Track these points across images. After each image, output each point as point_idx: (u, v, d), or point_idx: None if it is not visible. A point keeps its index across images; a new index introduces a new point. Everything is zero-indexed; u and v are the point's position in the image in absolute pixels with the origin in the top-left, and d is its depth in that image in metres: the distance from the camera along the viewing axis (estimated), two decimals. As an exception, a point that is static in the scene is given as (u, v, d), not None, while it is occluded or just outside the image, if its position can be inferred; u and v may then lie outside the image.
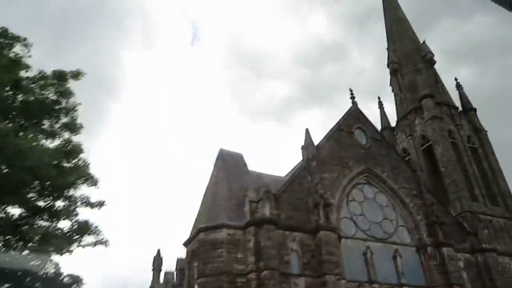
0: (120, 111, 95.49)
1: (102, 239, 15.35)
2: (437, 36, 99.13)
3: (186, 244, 25.30)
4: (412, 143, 37.99)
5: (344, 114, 31.68)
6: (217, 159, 28.27)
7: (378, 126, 41.10)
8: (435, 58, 41.80)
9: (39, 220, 15.08)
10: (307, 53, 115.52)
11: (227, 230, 23.38)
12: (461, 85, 41.25)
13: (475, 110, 39.47)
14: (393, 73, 43.03)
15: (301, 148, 28.05)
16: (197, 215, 26.28)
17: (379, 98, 43.02)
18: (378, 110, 42.58)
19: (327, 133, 29.91)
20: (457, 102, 40.72)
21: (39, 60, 16.27)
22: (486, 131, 38.21)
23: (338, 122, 30.92)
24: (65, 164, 16.94)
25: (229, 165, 27.81)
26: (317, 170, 27.11)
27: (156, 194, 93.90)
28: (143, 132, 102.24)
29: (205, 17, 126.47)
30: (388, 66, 43.41)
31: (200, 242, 23.41)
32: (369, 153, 30.51)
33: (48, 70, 15.70)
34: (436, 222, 28.86)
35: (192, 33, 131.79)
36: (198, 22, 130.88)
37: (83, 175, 16.96)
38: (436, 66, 42.18)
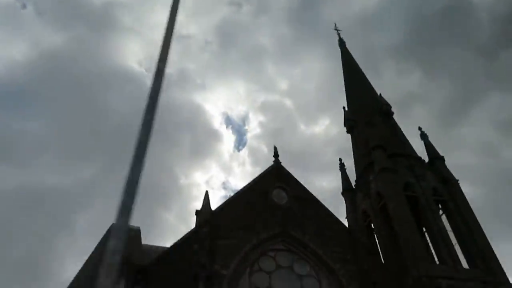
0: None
1: None
2: (488, 108, 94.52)
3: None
4: (369, 203, 32.79)
5: (261, 173, 28.11)
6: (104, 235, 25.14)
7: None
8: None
9: None
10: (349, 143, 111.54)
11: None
12: (426, 134, 36.47)
13: (442, 158, 34.05)
14: (350, 131, 39.41)
15: (195, 214, 24.42)
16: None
17: (340, 159, 38.88)
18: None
19: (234, 195, 26.24)
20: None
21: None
22: (457, 180, 32.32)
23: (250, 182, 27.29)
24: None
25: (132, 242, 24.49)
26: (208, 237, 23.08)
27: None
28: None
29: (248, 122, 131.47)
30: (344, 125, 39.98)
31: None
32: (289, 214, 26.06)
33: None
34: (373, 292, 22.87)
35: (237, 140, 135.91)
36: (242, 129, 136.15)
37: None
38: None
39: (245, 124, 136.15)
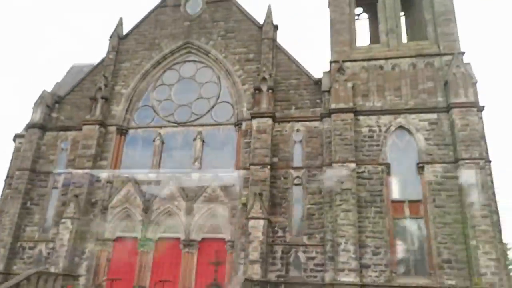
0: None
1: None
2: None
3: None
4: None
5: (177, -15, 26.62)
6: (66, 74, 29.59)
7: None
8: None
9: None
10: None
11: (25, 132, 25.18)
12: None
13: None
14: None
15: (108, 40, 25.97)
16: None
17: None
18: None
19: (144, 16, 26.23)
20: None
21: None
22: None
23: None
24: None
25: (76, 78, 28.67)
26: (113, 62, 25.00)
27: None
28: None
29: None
30: None
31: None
32: (197, 23, 25.20)
33: None
34: (262, 88, 22.00)
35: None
36: None
37: None
38: None
39: None
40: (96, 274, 20.83)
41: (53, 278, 19.03)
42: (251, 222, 19.15)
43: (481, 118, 19.77)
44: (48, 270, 19.82)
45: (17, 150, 25.23)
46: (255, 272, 18.28)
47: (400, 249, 18.69)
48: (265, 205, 19.49)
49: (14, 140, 26.27)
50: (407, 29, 24.70)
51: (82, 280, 20.44)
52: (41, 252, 21.64)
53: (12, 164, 25.08)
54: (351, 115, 20.38)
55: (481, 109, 19.86)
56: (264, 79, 22.09)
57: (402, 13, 25.89)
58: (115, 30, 25.94)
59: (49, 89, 25.41)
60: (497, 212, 18.15)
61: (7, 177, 25.03)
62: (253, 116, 21.46)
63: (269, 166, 20.32)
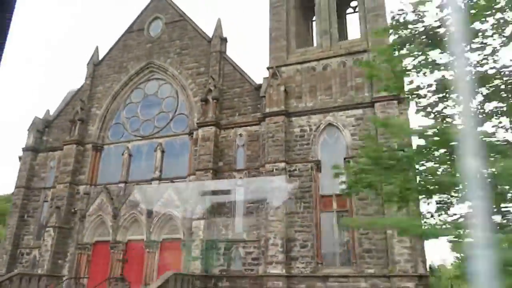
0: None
1: None
2: None
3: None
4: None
5: (142, 11, 29.20)
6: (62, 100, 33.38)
7: None
8: None
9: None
10: None
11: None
12: None
13: None
14: None
15: (86, 67, 29.20)
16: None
17: None
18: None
19: (114, 42, 29.11)
20: None
21: None
22: None
23: (131, 24, 29.12)
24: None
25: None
26: (89, 87, 28.18)
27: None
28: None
29: None
30: None
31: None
32: (157, 44, 27.64)
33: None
34: (209, 99, 23.97)
35: None
36: None
37: None
38: None
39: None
40: (77, 275, 24.07)
41: (37, 278, 22.49)
42: (194, 223, 21.31)
43: (405, 109, 20.29)
44: (35, 271, 23.35)
45: (19, 171, 29.32)
46: (196, 267, 20.43)
47: (326, 241, 19.89)
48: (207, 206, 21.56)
49: (19, 161, 30.46)
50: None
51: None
52: (35, 257, 25.31)
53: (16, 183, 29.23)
54: (283, 117, 21.75)
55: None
56: (210, 90, 24.04)
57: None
58: (91, 58, 29.12)
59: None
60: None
61: (12, 194, 29.24)
62: (199, 126, 23.54)
63: (211, 171, 22.32)
